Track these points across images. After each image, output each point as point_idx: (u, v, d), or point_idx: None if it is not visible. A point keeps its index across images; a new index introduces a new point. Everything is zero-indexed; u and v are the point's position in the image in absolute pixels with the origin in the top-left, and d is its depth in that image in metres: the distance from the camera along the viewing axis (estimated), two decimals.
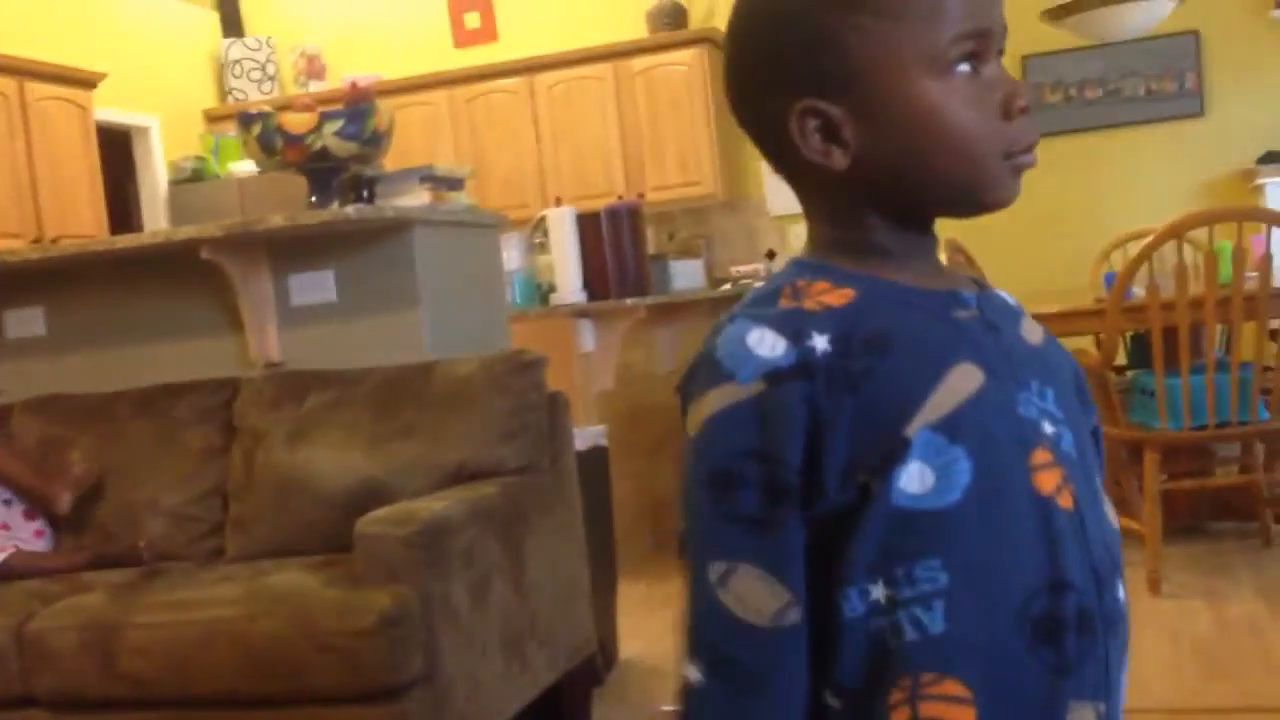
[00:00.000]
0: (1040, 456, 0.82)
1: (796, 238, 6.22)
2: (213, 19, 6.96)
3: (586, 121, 6.29)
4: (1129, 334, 4.37)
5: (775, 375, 0.78)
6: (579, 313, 4.34)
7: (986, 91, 0.82)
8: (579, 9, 6.54)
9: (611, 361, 4.43)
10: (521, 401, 2.76)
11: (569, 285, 4.41)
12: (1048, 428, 0.84)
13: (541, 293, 4.58)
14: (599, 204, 5.09)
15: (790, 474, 0.78)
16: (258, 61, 6.91)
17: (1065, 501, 0.83)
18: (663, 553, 4.43)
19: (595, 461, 3.22)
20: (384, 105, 3.17)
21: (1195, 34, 5.71)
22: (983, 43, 0.82)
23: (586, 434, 3.24)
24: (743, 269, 5.98)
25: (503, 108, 6.41)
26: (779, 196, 6.32)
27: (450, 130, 6.48)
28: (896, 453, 0.78)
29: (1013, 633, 0.79)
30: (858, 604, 0.78)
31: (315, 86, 6.81)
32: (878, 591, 0.78)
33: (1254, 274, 3.38)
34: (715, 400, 0.80)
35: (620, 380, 4.48)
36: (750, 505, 0.78)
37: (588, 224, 4.47)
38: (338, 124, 3.04)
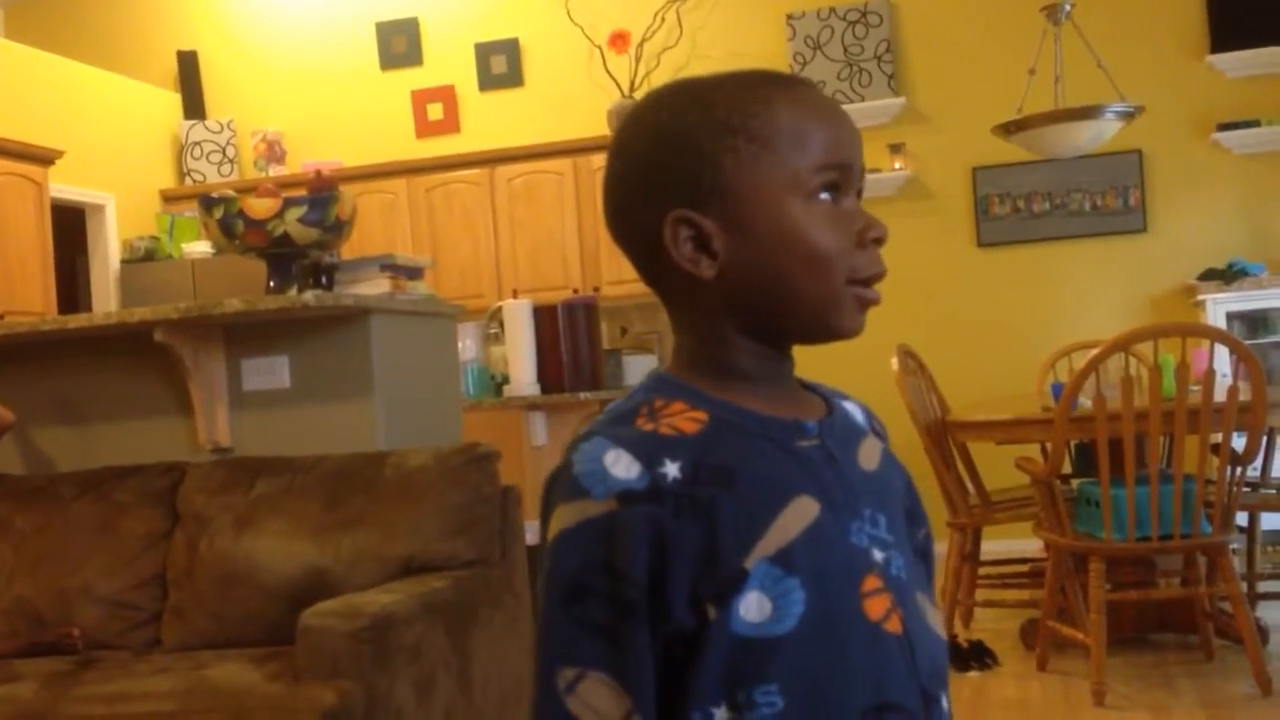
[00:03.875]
0: (870, 583, 0.87)
1: None
2: (175, 100, 6.98)
3: (545, 215, 6.34)
4: (1074, 443, 4.43)
5: (627, 496, 0.83)
6: (532, 405, 4.34)
7: (843, 219, 0.89)
8: (541, 105, 6.64)
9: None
10: (474, 494, 2.74)
11: (523, 377, 4.41)
12: (878, 554, 0.89)
13: (495, 384, 4.57)
14: (554, 296, 5.11)
15: (635, 591, 0.82)
16: (218, 144, 6.93)
17: (894, 626, 0.88)
18: None
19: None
20: (347, 193, 3.19)
21: (1139, 153, 5.89)
22: (843, 175, 0.90)
23: (537, 527, 3.21)
24: None
25: (462, 198, 6.46)
26: None
27: (408, 218, 6.51)
28: (735, 582, 0.83)
29: None
30: None
31: (275, 171, 6.82)
32: (720, 715, 0.82)
33: (1196, 388, 3.46)
34: (570, 514, 0.84)
35: None
36: (600, 614, 0.82)
37: (544, 317, 4.49)
38: (301, 210, 3.04)
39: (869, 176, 6.19)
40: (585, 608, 0.82)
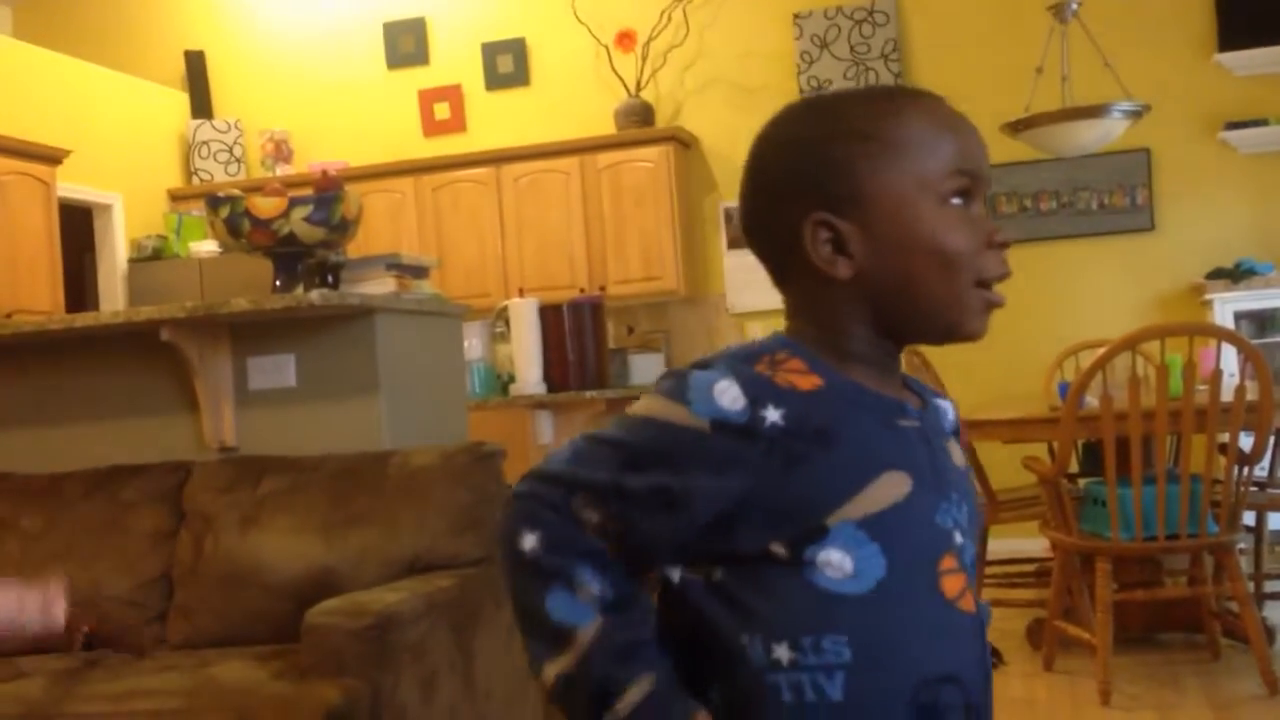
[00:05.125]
0: (948, 563, 0.93)
1: (754, 334, 6.27)
2: (182, 100, 7.00)
3: (551, 214, 6.34)
4: (1081, 442, 4.42)
5: (722, 425, 0.88)
6: (538, 404, 4.34)
7: (974, 224, 0.95)
8: (548, 104, 6.64)
9: None
10: (479, 494, 2.74)
11: (529, 376, 4.42)
12: (958, 538, 0.95)
13: (501, 383, 4.57)
14: (561, 295, 5.11)
15: (676, 500, 0.88)
16: (225, 143, 6.94)
17: (968, 605, 0.94)
18: None
19: None
20: (353, 193, 3.19)
21: (1147, 151, 5.88)
22: (973, 183, 0.95)
23: None
24: None
25: (469, 197, 6.46)
26: (739, 293, 6.39)
27: (415, 218, 6.52)
28: (812, 535, 0.88)
29: (901, 715, 0.88)
30: (760, 654, 0.88)
31: (282, 170, 6.83)
32: (780, 650, 0.88)
33: (1203, 387, 3.45)
34: (664, 409, 0.90)
35: None
36: (637, 489, 0.89)
37: (550, 316, 4.49)
38: (306, 209, 3.04)
39: None
40: (629, 477, 0.89)
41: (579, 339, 4.52)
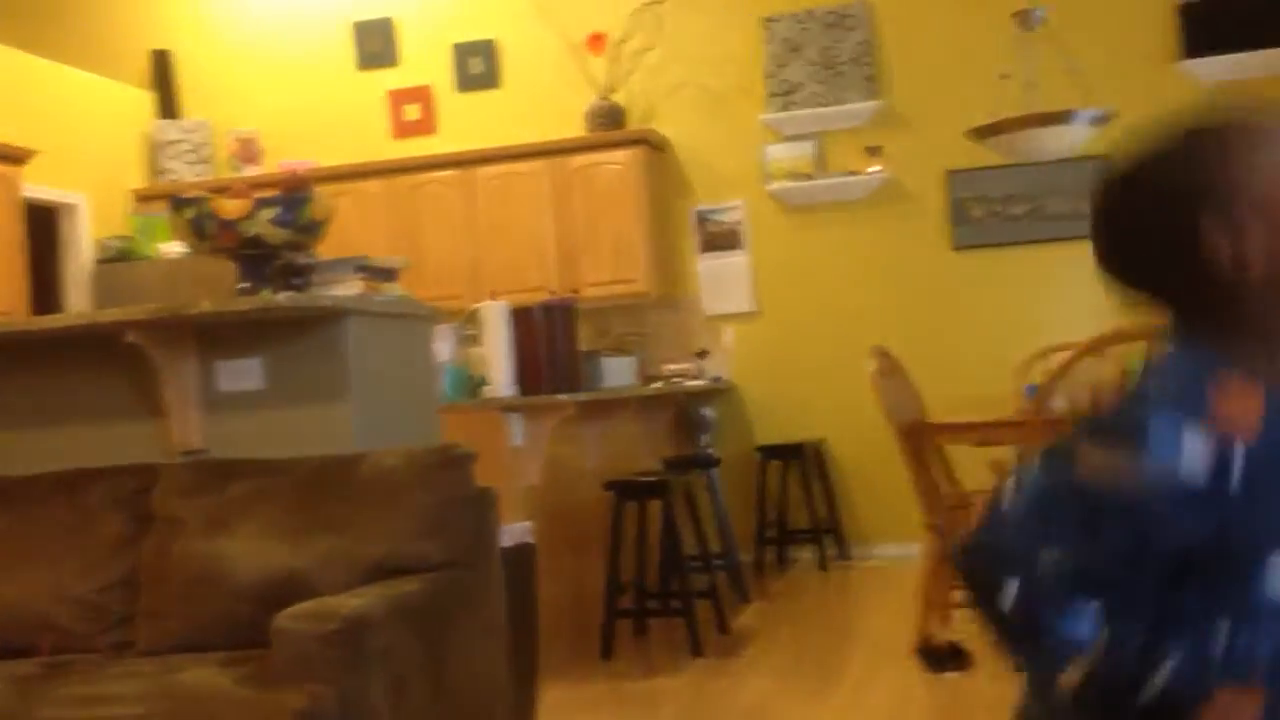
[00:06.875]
0: None
1: (728, 337, 6.28)
2: (148, 99, 6.94)
3: (523, 216, 6.33)
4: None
5: (1190, 479, 0.97)
6: (509, 406, 4.33)
7: None
8: (519, 106, 6.63)
9: (540, 456, 4.41)
10: (448, 496, 2.72)
11: (501, 379, 4.40)
12: None
13: (472, 385, 4.56)
14: (532, 298, 5.10)
15: (1148, 547, 0.99)
16: (192, 143, 6.89)
17: None
18: (585, 654, 4.36)
19: (521, 559, 3.18)
20: (321, 194, 3.17)
21: None
22: None
23: (513, 530, 3.20)
24: (674, 367, 6.02)
25: (440, 199, 6.44)
26: (712, 297, 6.39)
27: (385, 219, 6.49)
28: (1259, 562, 0.99)
29: None
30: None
31: (250, 170, 6.79)
32: (1224, 625, 0.99)
33: None
34: (1129, 467, 0.99)
35: (547, 476, 4.45)
36: (1105, 549, 1.00)
37: (522, 318, 4.48)
38: (273, 211, 3.02)
39: (845, 179, 6.20)
40: (1095, 536, 0.98)
41: (551, 341, 4.51)
